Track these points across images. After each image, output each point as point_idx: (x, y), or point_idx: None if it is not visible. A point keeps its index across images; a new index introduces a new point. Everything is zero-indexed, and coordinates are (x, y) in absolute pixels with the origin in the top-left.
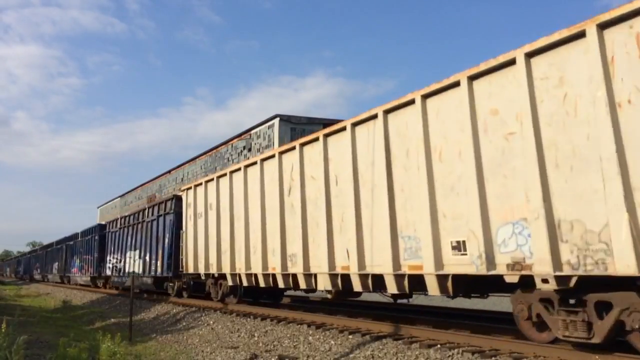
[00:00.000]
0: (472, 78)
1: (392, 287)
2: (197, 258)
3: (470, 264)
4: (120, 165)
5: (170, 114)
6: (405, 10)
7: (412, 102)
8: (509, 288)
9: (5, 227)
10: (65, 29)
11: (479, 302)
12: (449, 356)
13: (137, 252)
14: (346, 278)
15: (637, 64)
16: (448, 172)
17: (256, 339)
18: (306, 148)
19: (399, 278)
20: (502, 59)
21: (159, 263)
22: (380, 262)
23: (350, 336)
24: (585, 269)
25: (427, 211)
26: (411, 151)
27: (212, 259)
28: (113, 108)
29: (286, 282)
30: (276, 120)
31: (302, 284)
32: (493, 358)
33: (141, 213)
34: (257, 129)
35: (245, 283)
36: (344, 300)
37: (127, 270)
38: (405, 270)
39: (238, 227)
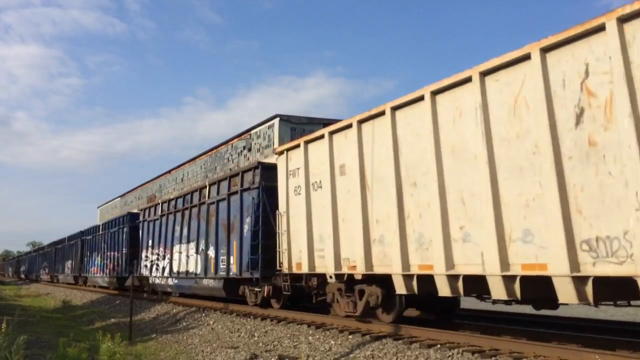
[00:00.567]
0: None
1: None
2: (312, 251)
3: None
4: (120, 165)
5: (171, 114)
6: (405, 9)
7: None
8: None
9: (5, 227)
10: (65, 29)
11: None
12: (449, 356)
13: (192, 245)
14: None
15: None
16: None
17: (256, 339)
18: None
19: None
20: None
21: (232, 259)
22: None
23: (350, 336)
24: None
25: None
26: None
27: (348, 251)
28: (113, 108)
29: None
30: (276, 120)
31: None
32: (493, 358)
33: (197, 193)
34: (257, 129)
35: (446, 291)
36: None
37: (175, 269)
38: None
39: (417, 197)
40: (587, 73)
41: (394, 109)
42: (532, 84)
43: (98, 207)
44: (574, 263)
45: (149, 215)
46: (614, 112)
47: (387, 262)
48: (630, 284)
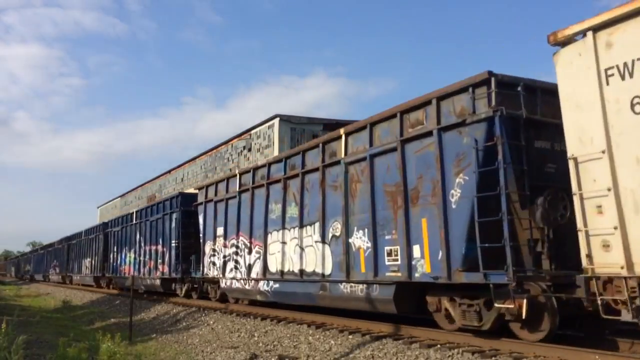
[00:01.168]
0: None
1: None
2: None
3: None
4: (120, 165)
5: (171, 114)
6: (406, 9)
7: None
8: None
9: (5, 227)
10: (66, 29)
11: None
12: (449, 356)
13: (310, 230)
14: None
15: None
16: None
17: (256, 338)
18: None
19: None
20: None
21: (418, 250)
22: None
23: (350, 336)
24: None
25: None
26: None
27: None
28: (114, 108)
29: None
30: (276, 120)
31: None
32: (493, 358)
33: (317, 150)
34: (257, 129)
35: None
36: None
37: (274, 267)
38: None
39: None
40: None
41: None
42: None
43: (98, 207)
44: None
45: (215, 194)
46: None
47: None
48: None
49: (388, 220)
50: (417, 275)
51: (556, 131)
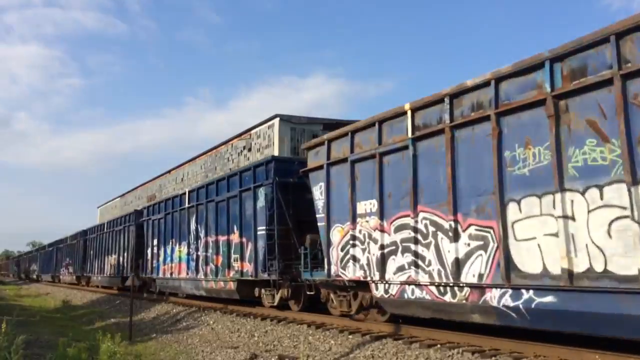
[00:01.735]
0: None
1: None
2: None
3: None
4: (120, 165)
5: (171, 114)
6: (406, 10)
7: None
8: None
9: (5, 227)
10: (66, 29)
11: None
12: (449, 356)
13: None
14: None
15: None
16: None
17: (256, 338)
18: None
19: None
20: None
21: None
22: None
23: (350, 336)
24: None
25: None
26: None
27: None
28: (114, 108)
29: None
30: (276, 120)
31: None
32: (493, 358)
33: None
34: (257, 129)
35: None
36: None
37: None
38: None
39: None
40: None
41: None
42: None
43: (98, 207)
44: None
45: (352, 149)
46: None
47: None
48: None
49: None
50: None
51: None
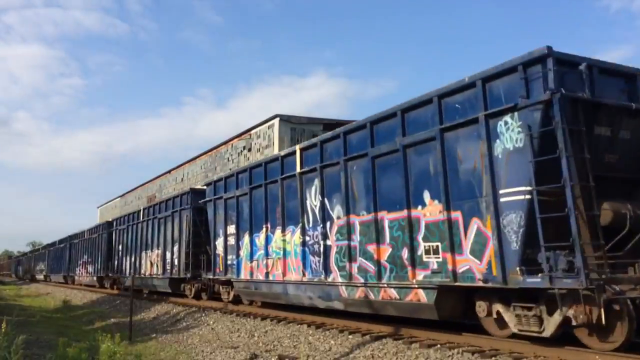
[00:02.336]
0: None
1: None
2: None
3: None
4: (121, 165)
5: (171, 114)
6: (406, 10)
7: None
8: None
9: (6, 227)
10: (67, 29)
11: None
12: (449, 356)
13: None
14: None
15: None
16: None
17: (256, 338)
18: None
19: None
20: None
21: None
22: None
23: (350, 336)
24: None
25: None
26: None
27: None
28: (114, 108)
29: None
30: (276, 120)
31: None
32: (493, 358)
33: None
34: (257, 129)
35: None
36: None
37: None
38: None
39: None
40: None
41: None
42: None
43: (98, 207)
44: None
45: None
46: None
47: None
48: None
49: None
50: None
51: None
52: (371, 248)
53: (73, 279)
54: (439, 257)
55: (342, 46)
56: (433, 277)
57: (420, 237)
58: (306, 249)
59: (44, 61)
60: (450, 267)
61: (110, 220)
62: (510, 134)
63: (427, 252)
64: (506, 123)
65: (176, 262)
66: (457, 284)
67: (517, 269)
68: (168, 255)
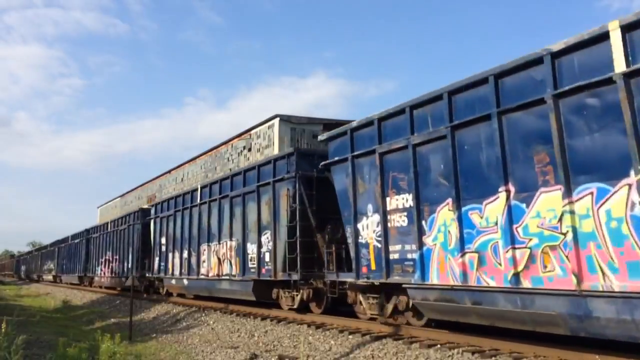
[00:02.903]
0: None
1: None
2: None
3: None
4: (120, 165)
5: (172, 114)
6: (406, 11)
7: None
8: None
9: (6, 227)
10: (67, 29)
11: None
12: (449, 356)
13: None
14: None
15: None
16: None
17: (256, 338)
18: None
19: None
20: None
21: None
22: None
23: (350, 336)
24: None
25: None
26: None
27: None
28: (114, 108)
29: None
30: (276, 120)
31: None
32: (493, 358)
33: None
34: (257, 129)
35: None
36: None
37: None
38: None
39: None
40: None
41: None
42: None
43: (98, 207)
44: None
45: None
46: None
47: None
48: None
49: None
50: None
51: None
52: None
53: (91, 280)
54: None
55: (342, 46)
56: None
57: None
58: None
59: (44, 61)
60: None
61: (145, 207)
62: None
63: None
64: None
65: (268, 258)
66: None
67: None
68: (251, 248)
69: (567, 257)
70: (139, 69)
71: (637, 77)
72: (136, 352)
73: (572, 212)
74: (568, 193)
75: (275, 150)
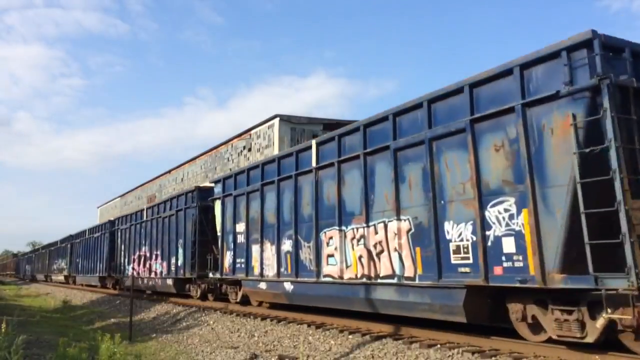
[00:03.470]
0: None
1: None
2: None
3: None
4: (121, 165)
5: (172, 114)
6: (406, 10)
7: None
8: None
9: (5, 227)
10: (67, 30)
11: None
12: (449, 356)
13: None
14: None
15: None
16: None
17: (256, 338)
18: None
19: None
20: None
21: None
22: None
23: (350, 336)
24: None
25: None
26: None
27: None
28: (114, 108)
29: None
30: (276, 120)
31: None
32: (493, 358)
33: None
34: (257, 129)
35: None
36: None
37: None
38: None
39: None
40: None
41: None
42: None
43: (98, 207)
44: None
45: None
46: None
47: None
48: None
49: None
50: None
51: None
52: None
53: (116, 282)
54: None
55: (342, 46)
56: None
57: None
58: None
59: (45, 61)
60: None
61: (203, 185)
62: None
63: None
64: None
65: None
66: None
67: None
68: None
69: None
70: (139, 69)
71: None
72: (136, 352)
73: None
74: None
75: (275, 150)
